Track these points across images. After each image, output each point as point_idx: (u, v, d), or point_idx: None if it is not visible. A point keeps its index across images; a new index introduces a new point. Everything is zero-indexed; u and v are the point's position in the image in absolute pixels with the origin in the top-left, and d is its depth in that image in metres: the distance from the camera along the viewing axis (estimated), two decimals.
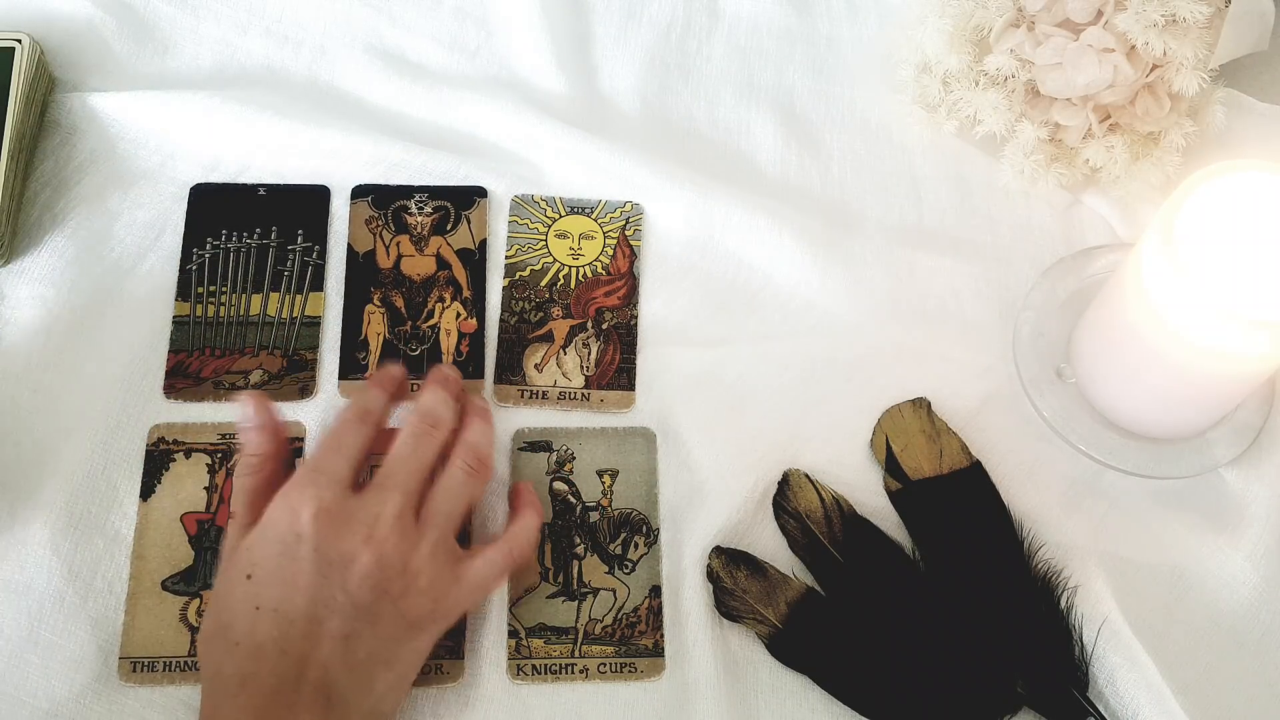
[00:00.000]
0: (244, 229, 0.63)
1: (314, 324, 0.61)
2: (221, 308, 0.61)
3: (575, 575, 0.56)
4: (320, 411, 0.59)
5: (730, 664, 0.55)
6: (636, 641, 0.55)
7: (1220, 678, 0.56)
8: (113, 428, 0.57)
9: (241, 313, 0.61)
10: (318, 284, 0.62)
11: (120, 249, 0.62)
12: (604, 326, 0.62)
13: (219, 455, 0.57)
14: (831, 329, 0.63)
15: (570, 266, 0.64)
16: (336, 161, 0.65)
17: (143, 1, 0.70)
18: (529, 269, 0.64)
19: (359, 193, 0.65)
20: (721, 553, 0.56)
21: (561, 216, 0.65)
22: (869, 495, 0.59)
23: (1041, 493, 0.59)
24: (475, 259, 0.64)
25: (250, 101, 0.65)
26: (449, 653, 0.54)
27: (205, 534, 0.56)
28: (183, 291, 0.62)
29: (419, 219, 0.64)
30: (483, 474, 0.53)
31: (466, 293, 0.63)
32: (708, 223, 0.64)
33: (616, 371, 0.61)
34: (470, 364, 0.61)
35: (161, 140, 0.65)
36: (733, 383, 0.61)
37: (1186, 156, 0.64)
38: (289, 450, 0.55)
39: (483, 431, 0.55)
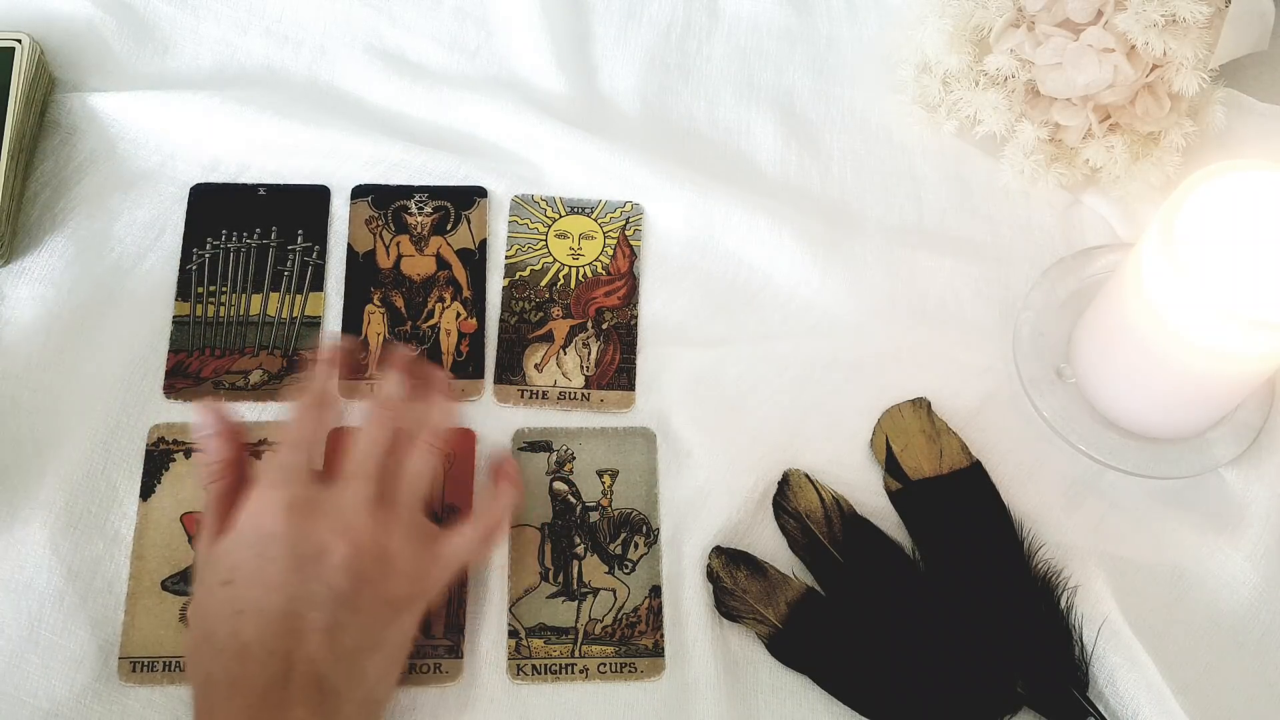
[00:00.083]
0: (244, 229, 0.63)
1: (314, 324, 0.61)
2: (221, 308, 0.61)
3: (575, 575, 0.56)
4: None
5: (730, 664, 0.55)
6: (636, 641, 0.55)
7: (1220, 678, 0.56)
8: (113, 428, 0.57)
9: (241, 313, 0.61)
10: (318, 284, 0.62)
11: (120, 249, 0.62)
12: (604, 326, 0.62)
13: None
14: (831, 329, 0.63)
15: (570, 266, 0.64)
16: (336, 161, 0.65)
17: (143, 1, 0.70)
18: (529, 269, 0.64)
19: (359, 193, 0.65)
20: (721, 553, 0.56)
21: (561, 216, 0.65)
22: (869, 495, 0.59)
23: (1041, 493, 0.59)
24: (475, 259, 0.64)
25: (250, 101, 0.65)
26: (448, 652, 0.54)
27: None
28: (183, 291, 0.62)
29: (419, 219, 0.64)
30: (444, 452, 0.54)
31: (466, 293, 0.63)
32: (708, 223, 0.64)
33: (616, 371, 0.61)
34: (470, 364, 0.61)
35: (161, 140, 0.65)
36: (733, 383, 0.61)
37: (1186, 156, 0.64)
38: (249, 453, 0.55)
39: (445, 410, 0.55)
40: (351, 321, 0.61)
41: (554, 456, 0.59)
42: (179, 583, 0.55)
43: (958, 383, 0.61)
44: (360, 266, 0.63)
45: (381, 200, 0.64)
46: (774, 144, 0.69)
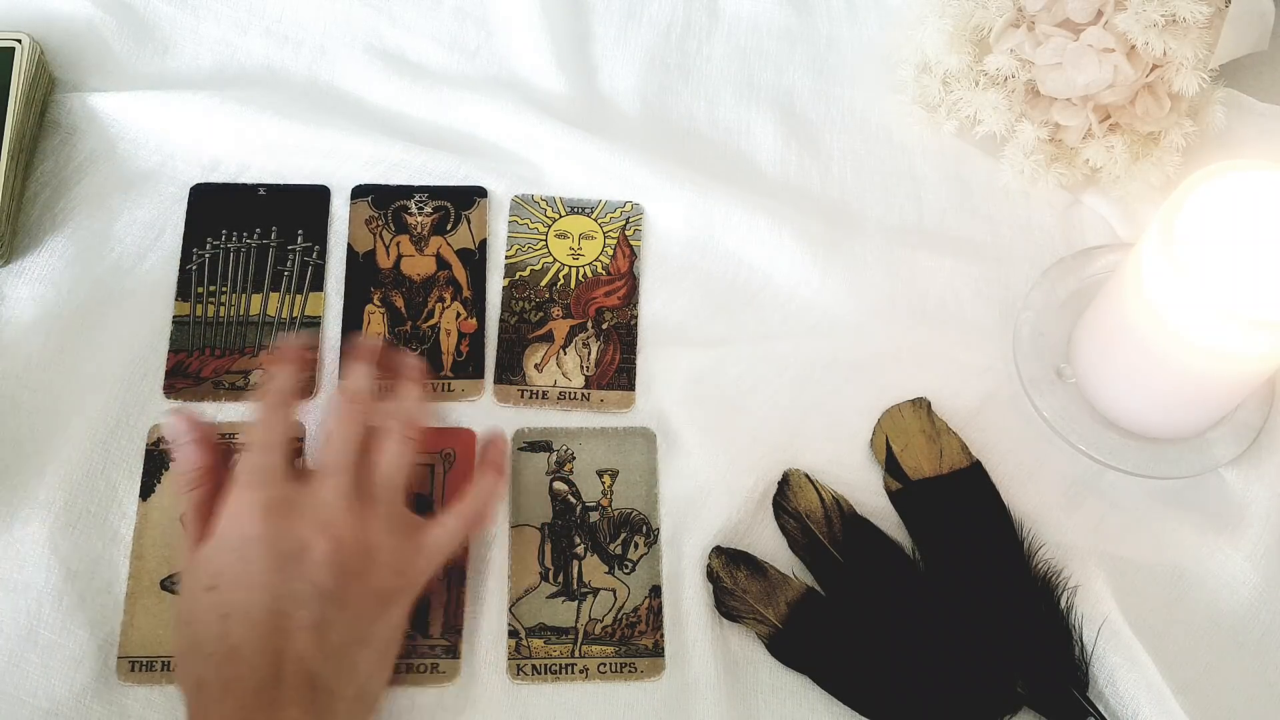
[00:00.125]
0: (244, 229, 0.63)
1: (314, 324, 0.61)
2: (221, 308, 0.61)
3: (575, 575, 0.56)
4: (320, 412, 0.59)
5: (730, 664, 0.55)
6: (636, 641, 0.55)
7: (1220, 678, 0.56)
8: (112, 427, 0.57)
9: (241, 313, 0.61)
10: (318, 284, 0.62)
11: (120, 249, 0.62)
12: (604, 326, 0.62)
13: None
14: (831, 329, 0.63)
15: (570, 266, 0.64)
16: (336, 161, 0.65)
17: (143, 1, 0.70)
18: (529, 269, 0.64)
19: (359, 193, 0.65)
20: (721, 553, 0.56)
21: (561, 216, 0.65)
22: (869, 495, 0.58)
23: (1041, 493, 0.59)
24: (475, 259, 0.64)
25: (250, 101, 0.65)
26: (445, 653, 0.54)
27: None
28: (183, 291, 0.62)
29: (419, 219, 0.64)
30: (417, 440, 0.54)
31: (466, 293, 0.63)
32: (708, 223, 0.64)
33: (616, 371, 0.61)
34: (470, 364, 0.61)
35: (161, 140, 0.65)
36: (733, 383, 0.61)
37: (1186, 156, 0.64)
38: (225, 457, 0.54)
39: (414, 398, 0.55)
40: (351, 321, 0.61)
41: (554, 456, 0.59)
42: (178, 583, 0.55)
43: (958, 383, 0.61)
44: (360, 266, 0.63)
45: (381, 200, 0.64)
46: (774, 144, 0.69)
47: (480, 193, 0.65)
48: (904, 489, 0.58)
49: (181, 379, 0.59)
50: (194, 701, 0.48)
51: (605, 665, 0.55)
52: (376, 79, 0.69)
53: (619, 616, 0.56)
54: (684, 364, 0.61)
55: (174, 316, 0.61)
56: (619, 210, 0.65)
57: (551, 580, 0.56)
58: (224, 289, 0.62)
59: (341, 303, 0.62)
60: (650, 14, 0.72)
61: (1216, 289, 0.50)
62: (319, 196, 0.64)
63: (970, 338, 0.63)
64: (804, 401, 0.60)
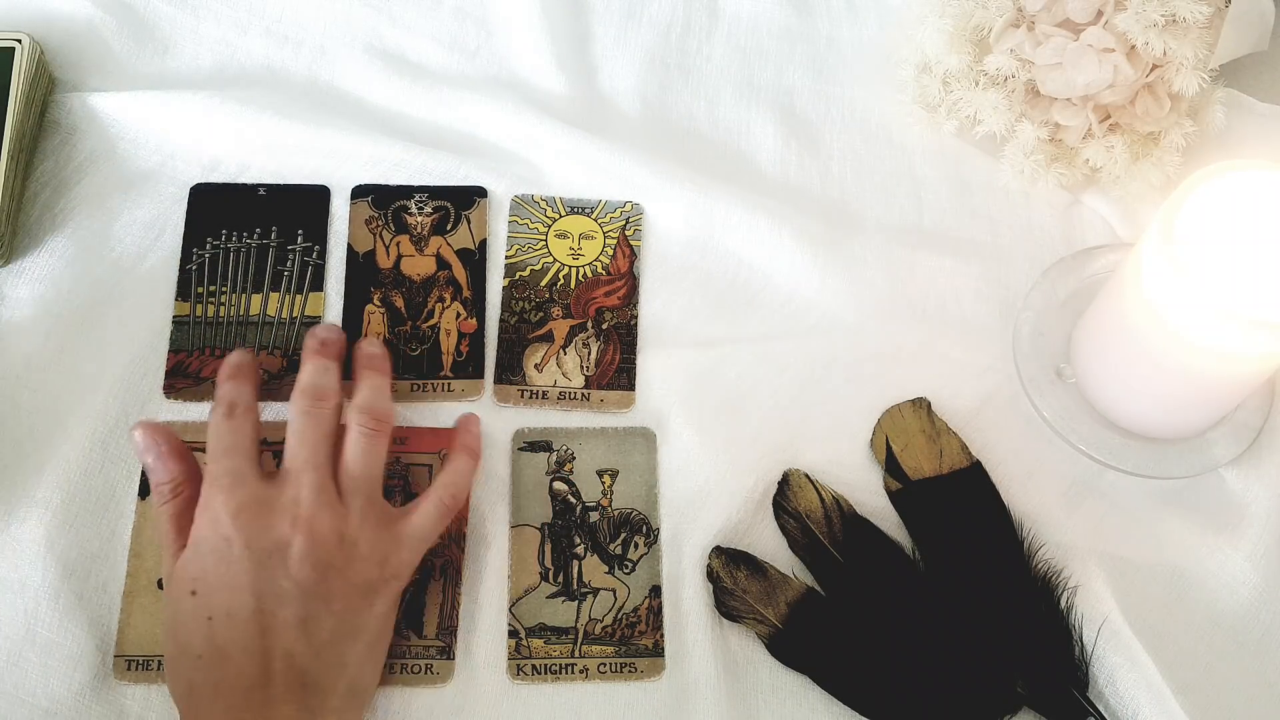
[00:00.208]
0: (244, 229, 0.63)
1: (314, 324, 0.61)
2: (221, 308, 0.61)
3: (575, 575, 0.56)
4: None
5: (730, 664, 0.55)
6: (636, 641, 0.55)
7: (1220, 678, 0.56)
8: (112, 427, 0.57)
9: (241, 313, 0.61)
10: (318, 284, 0.62)
11: (120, 249, 0.62)
12: (604, 326, 0.62)
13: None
14: (831, 329, 0.63)
15: (570, 266, 0.64)
16: (336, 161, 0.65)
17: (143, 1, 0.70)
18: (529, 269, 0.64)
19: (359, 193, 0.65)
20: (721, 553, 0.56)
21: (561, 216, 0.65)
22: (869, 495, 0.58)
23: (1041, 493, 0.59)
24: (475, 259, 0.64)
25: (250, 101, 0.65)
26: (440, 653, 0.54)
27: None
28: (183, 291, 0.62)
29: (419, 219, 0.64)
30: (384, 430, 0.53)
31: (466, 293, 0.63)
32: (708, 223, 0.64)
33: (616, 371, 0.61)
34: (470, 364, 0.61)
35: (161, 140, 0.65)
36: (733, 383, 0.61)
37: (1186, 156, 0.64)
38: (199, 467, 0.54)
39: (373, 388, 0.55)
40: (351, 321, 0.61)
41: (554, 456, 0.59)
42: None
43: (958, 383, 0.61)
44: (360, 266, 0.63)
45: (381, 200, 0.64)
46: (774, 144, 0.69)
47: (480, 193, 0.65)
48: (904, 489, 0.58)
49: (181, 379, 0.59)
50: (186, 706, 0.48)
51: (605, 665, 0.55)
52: (376, 79, 0.69)
53: (619, 616, 0.56)
54: (684, 364, 0.61)
55: (174, 316, 0.61)
56: (619, 210, 0.65)
57: (551, 580, 0.56)
58: (224, 289, 0.62)
59: (341, 303, 0.62)
60: (650, 14, 0.72)
61: (1216, 289, 0.50)
62: (319, 196, 0.64)
63: (970, 338, 0.63)
64: (804, 401, 0.60)
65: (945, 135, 0.68)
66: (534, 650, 0.55)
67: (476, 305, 0.62)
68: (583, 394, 0.60)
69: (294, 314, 0.61)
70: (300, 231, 0.63)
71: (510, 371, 0.61)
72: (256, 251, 0.63)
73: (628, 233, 0.65)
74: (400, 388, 0.60)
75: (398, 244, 0.64)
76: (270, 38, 0.70)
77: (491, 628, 0.55)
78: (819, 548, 0.57)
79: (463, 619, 0.55)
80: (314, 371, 0.54)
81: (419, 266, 0.63)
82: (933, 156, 0.69)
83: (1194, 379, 0.55)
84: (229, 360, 0.56)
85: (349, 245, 0.63)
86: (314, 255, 0.63)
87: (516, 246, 0.64)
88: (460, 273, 0.63)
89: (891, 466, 0.59)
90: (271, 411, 0.58)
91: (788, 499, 0.58)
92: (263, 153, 0.65)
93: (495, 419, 0.59)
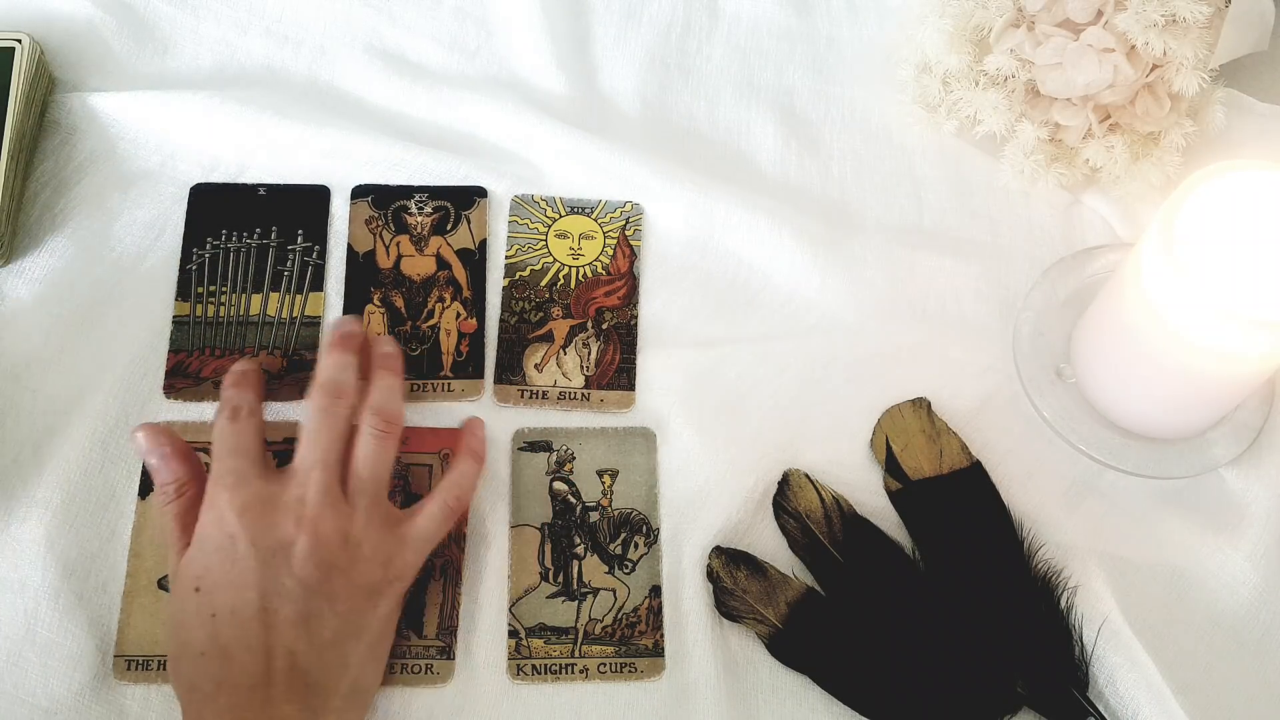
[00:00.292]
0: (244, 229, 0.63)
1: (314, 324, 0.61)
2: (221, 308, 0.61)
3: (575, 575, 0.56)
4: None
5: (730, 664, 0.55)
6: (636, 641, 0.55)
7: (1220, 678, 0.56)
8: (112, 427, 0.57)
9: (241, 313, 0.61)
10: (318, 284, 0.62)
11: (120, 249, 0.62)
12: (604, 326, 0.62)
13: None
14: (831, 329, 0.63)
15: (570, 266, 0.64)
16: (336, 161, 0.65)
17: (143, 1, 0.70)
18: (529, 269, 0.64)
19: (359, 193, 0.65)
20: (721, 553, 0.56)
21: (561, 216, 0.65)
22: (869, 495, 0.58)
23: (1041, 493, 0.59)
24: (475, 259, 0.64)
25: (250, 101, 0.65)
26: (440, 653, 0.54)
27: None
28: (183, 291, 0.62)
29: (419, 219, 0.64)
30: (394, 433, 0.53)
31: (466, 293, 0.63)
32: (708, 223, 0.64)
33: (616, 371, 0.61)
34: (470, 364, 0.61)
35: (161, 140, 0.65)
36: (733, 383, 0.61)
37: (1186, 156, 0.64)
38: (203, 467, 0.54)
39: (387, 388, 0.55)
40: None
41: (554, 456, 0.59)
42: None
43: (958, 383, 0.61)
44: (360, 266, 0.63)
45: (381, 200, 0.64)
46: (774, 144, 0.69)
47: (480, 193, 0.65)
48: (904, 489, 0.58)
49: (181, 379, 0.59)
50: (188, 703, 0.48)
51: (605, 665, 0.55)
52: (376, 79, 0.69)
53: (619, 616, 0.56)
54: (684, 364, 0.61)
55: (174, 316, 0.61)
56: (619, 210, 0.65)
57: (551, 580, 0.56)
58: (224, 289, 0.62)
59: (341, 303, 0.62)
60: (650, 14, 0.72)
61: (1216, 289, 0.50)
62: (319, 196, 0.64)
63: (970, 338, 0.63)
64: (804, 401, 0.60)
65: (945, 135, 0.68)
66: (534, 650, 0.55)
67: (476, 305, 0.62)
68: (583, 394, 0.60)
69: (294, 314, 0.61)
70: (300, 231, 0.63)
71: (510, 371, 0.61)
72: (256, 251, 0.63)
73: (628, 233, 0.65)
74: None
75: (398, 244, 0.64)
76: (270, 38, 0.70)
77: (491, 628, 0.55)
78: (819, 548, 0.57)
79: (463, 619, 0.55)
80: (335, 367, 0.54)
81: (419, 266, 0.63)
82: (933, 156, 0.69)
83: (1194, 379, 0.55)
84: (234, 369, 0.56)
85: (349, 245, 0.63)
86: (314, 255, 0.63)
87: (516, 246, 0.64)
88: (460, 273, 0.63)
89: (891, 466, 0.59)
90: (271, 412, 0.58)
91: (788, 499, 0.58)
92: (263, 153, 0.65)
93: (495, 419, 0.59)
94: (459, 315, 0.62)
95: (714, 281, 0.64)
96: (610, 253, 0.64)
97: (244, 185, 0.65)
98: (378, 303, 0.62)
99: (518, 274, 0.63)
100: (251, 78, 0.69)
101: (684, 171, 0.65)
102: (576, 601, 0.56)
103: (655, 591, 0.56)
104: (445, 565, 0.56)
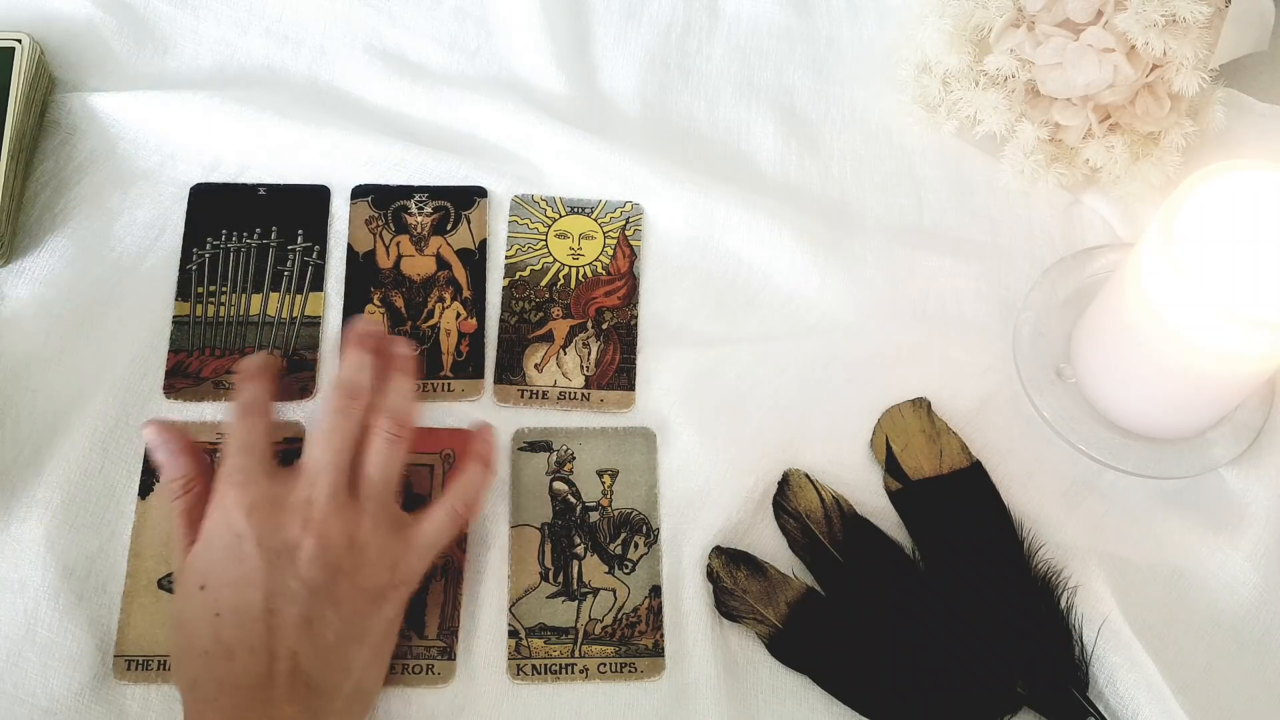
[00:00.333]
0: (244, 229, 0.63)
1: (314, 324, 0.61)
2: (221, 308, 0.61)
3: (575, 575, 0.56)
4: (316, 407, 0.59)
5: (730, 664, 0.55)
6: (636, 641, 0.55)
7: (1220, 678, 0.56)
8: (112, 427, 0.57)
9: (241, 313, 0.61)
10: (318, 284, 0.62)
11: (120, 249, 0.62)
12: (604, 326, 0.62)
13: (218, 455, 0.57)
14: (831, 329, 0.63)
15: (570, 266, 0.64)
16: (336, 161, 0.65)
17: (143, 1, 0.70)
18: (529, 269, 0.64)
19: (359, 193, 0.65)
20: (721, 553, 0.56)
21: (561, 216, 0.65)
22: (869, 495, 0.58)
23: (1041, 493, 0.59)
24: (475, 259, 0.64)
25: (250, 101, 0.65)
26: (441, 654, 0.54)
27: None
28: (183, 291, 0.62)
29: (419, 219, 0.64)
30: (406, 436, 0.53)
31: (466, 293, 0.63)
32: (708, 223, 0.64)
33: (616, 371, 0.61)
34: (470, 364, 0.61)
35: (161, 140, 0.65)
36: (733, 383, 0.61)
37: (1186, 156, 0.64)
38: (210, 465, 0.54)
39: (401, 391, 0.54)
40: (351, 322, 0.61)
41: (554, 456, 0.59)
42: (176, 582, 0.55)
43: (958, 383, 0.61)
44: (360, 266, 0.63)
45: (381, 200, 0.64)
46: (774, 144, 0.69)
47: (480, 193, 0.65)
48: (904, 489, 0.58)
49: (181, 379, 0.59)
50: (189, 701, 0.48)
51: (605, 665, 0.55)
52: (376, 79, 0.69)
53: (619, 616, 0.56)
54: (684, 364, 0.61)
55: (174, 316, 0.61)
56: (619, 210, 0.65)
57: (551, 580, 0.56)
58: (224, 289, 0.62)
59: (341, 303, 0.62)
60: (650, 14, 0.72)
61: (1216, 289, 0.50)
62: (319, 196, 0.64)
63: (970, 338, 0.63)
64: (804, 401, 0.60)
65: (945, 135, 0.68)
66: (534, 650, 0.55)
67: (476, 305, 0.62)
68: (583, 394, 0.60)
69: (294, 314, 0.61)
70: (300, 231, 0.63)
71: (510, 371, 0.61)
72: (256, 251, 0.63)
73: (628, 233, 0.65)
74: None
75: (398, 244, 0.64)
76: (270, 38, 0.70)
77: (491, 628, 0.55)
78: (819, 548, 0.57)
79: (463, 619, 0.55)
80: (353, 366, 0.54)
81: (419, 266, 0.63)
82: (933, 156, 0.69)
83: (1194, 379, 0.55)
84: (248, 363, 0.56)
85: (349, 245, 0.63)
86: (314, 255, 0.63)
87: (516, 246, 0.64)
88: (460, 273, 0.63)
89: (891, 466, 0.59)
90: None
91: (788, 499, 0.58)
92: (263, 153, 0.65)
93: (495, 419, 0.59)
94: (459, 315, 0.62)
95: (714, 281, 0.64)
96: (610, 253, 0.64)
97: (244, 185, 0.65)
98: (378, 303, 0.62)
99: (518, 274, 0.63)
100: (251, 78, 0.69)
101: (684, 171, 0.65)
102: (576, 601, 0.56)
103: (655, 591, 0.56)
104: (447, 566, 0.56)
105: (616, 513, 0.58)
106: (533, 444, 0.59)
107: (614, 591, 0.56)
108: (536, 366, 0.61)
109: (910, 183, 0.68)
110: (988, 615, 0.55)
